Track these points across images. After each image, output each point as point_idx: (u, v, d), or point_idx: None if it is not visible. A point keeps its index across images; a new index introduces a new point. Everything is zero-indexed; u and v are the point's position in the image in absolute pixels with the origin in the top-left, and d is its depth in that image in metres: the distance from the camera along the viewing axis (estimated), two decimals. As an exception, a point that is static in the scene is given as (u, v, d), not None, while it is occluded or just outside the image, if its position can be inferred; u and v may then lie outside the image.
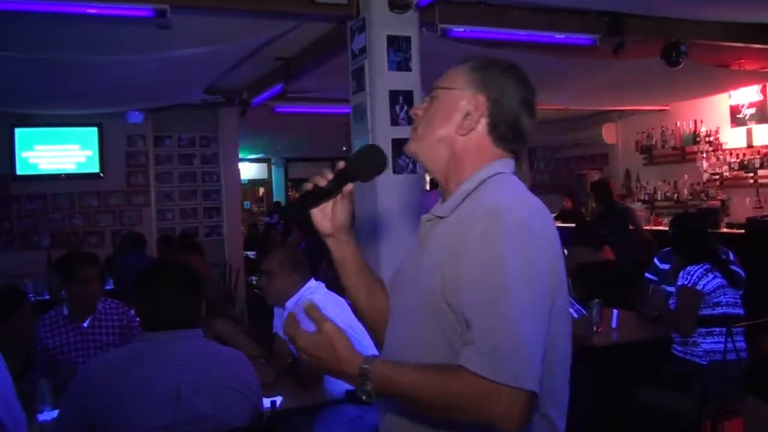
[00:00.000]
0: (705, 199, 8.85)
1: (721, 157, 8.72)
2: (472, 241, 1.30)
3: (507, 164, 1.50)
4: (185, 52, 5.18)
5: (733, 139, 8.65)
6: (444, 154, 1.49)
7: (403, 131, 4.15)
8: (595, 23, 5.10)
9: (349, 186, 1.58)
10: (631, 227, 6.96)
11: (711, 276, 3.74)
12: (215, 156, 9.01)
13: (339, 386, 2.95)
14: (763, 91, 8.18)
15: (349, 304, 3.19)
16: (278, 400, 2.76)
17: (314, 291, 3.22)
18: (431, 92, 1.55)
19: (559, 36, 5.06)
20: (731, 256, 4.18)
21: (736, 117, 8.59)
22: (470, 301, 1.28)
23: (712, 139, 8.86)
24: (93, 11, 3.99)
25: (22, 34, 4.77)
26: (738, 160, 8.44)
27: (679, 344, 3.84)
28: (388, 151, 4.12)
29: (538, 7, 4.91)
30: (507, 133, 1.48)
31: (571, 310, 3.78)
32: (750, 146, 8.39)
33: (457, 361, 1.27)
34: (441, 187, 1.55)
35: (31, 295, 5.74)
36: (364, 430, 2.81)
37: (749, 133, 8.43)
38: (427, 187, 8.65)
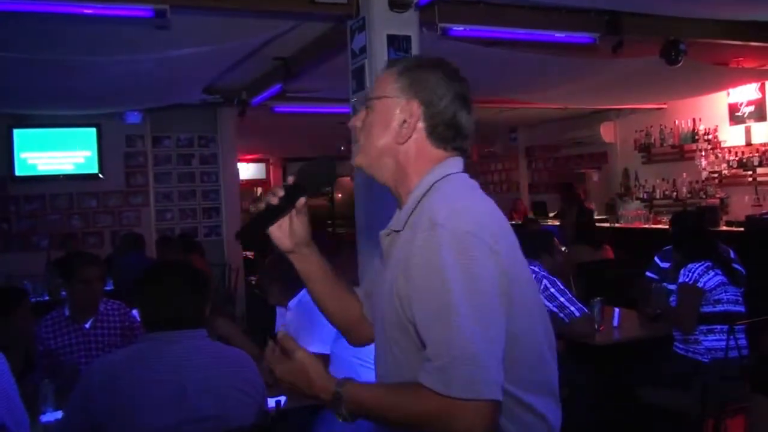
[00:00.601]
0: (704, 197, 8.86)
1: (719, 155, 8.73)
2: (415, 256, 1.31)
3: (454, 164, 1.48)
4: (184, 52, 5.18)
5: (732, 137, 8.66)
6: (389, 164, 1.49)
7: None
8: (594, 22, 5.10)
9: (302, 200, 1.56)
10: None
11: (712, 273, 3.74)
12: (214, 156, 9.00)
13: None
14: (761, 89, 8.19)
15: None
16: (282, 400, 2.76)
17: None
18: (366, 102, 1.53)
19: (559, 35, 5.06)
20: (732, 254, 4.19)
21: (734, 115, 8.60)
22: (419, 317, 1.30)
23: (710, 137, 8.86)
24: (92, 12, 3.98)
25: (20, 34, 4.76)
26: (737, 158, 8.45)
27: (681, 342, 3.84)
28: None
29: (537, 5, 4.91)
30: (446, 133, 1.47)
31: (573, 308, 3.80)
32: (749, 144, 8.39)
33: None
34: (394, 195, 1.53)
35: (30, 296, 5.73)
36: (366, 430, 2.81)
37: (748, 131, 8.44)
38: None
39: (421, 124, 1.46)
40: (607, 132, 10.67)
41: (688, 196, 9.14)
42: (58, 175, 8.23)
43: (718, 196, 8.70)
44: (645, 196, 9.86)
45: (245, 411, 2.17)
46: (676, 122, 9.36)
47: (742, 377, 3.33)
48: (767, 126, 8.21)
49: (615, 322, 4.19)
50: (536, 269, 3.97)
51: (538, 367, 1.42)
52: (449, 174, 1.45)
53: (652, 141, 9.77)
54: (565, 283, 4.08)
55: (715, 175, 8.75)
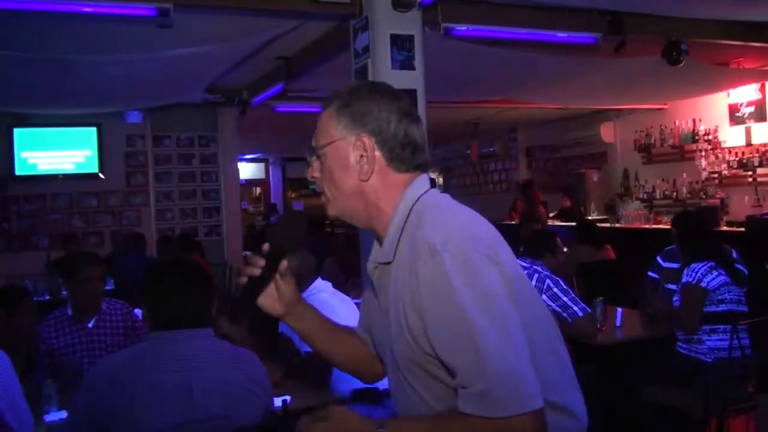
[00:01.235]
0: (704, 197, 8.86)
1: (719, 155, 8.74)
2: (423, 288, 1.29)
3: (421, 183, 1.46)
4: (186, 52, 5.17)
5: (732, 137, 8.67)
6: (360, 204, 1.46)
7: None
8: (596, 22, 5.11)
9: (284, 263, 1.52)
10: None
11: (715, 273, 3.74)
12: (214, 156, 9.01)
13: (346, 385, 2.95)
14: (761, 89, 8.20)
15: (356, 302, 3.20)
16: (288, 399, 2.75)
17: (321, 290, 3.21)
18: (316, 152, 1.49)
19: (561, 34, 5.07)
20: (734, 254, 4.19)
21: (734, 115, 8.61)
22: (442, 348, 1.28)
23: (710, 137, 8.87)
24: (91, 10, 3.97)
25: (21, 33, 4.76)
26: (737, 159, 8.46)
27: (684, 342, 3.84)
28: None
29: (539, 5, 4.92)
30: (404, 153, 1.44)
31: (576, 308, 3.80)
32: (749, 144, 8.40)
33: None
34: (370, 231, 1.52)
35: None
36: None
37: (748, 132, 8.45)
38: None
39: (378, 154, 1.42)
40: (607, 132, 10.67)
41: (688, 196, 9.15)
42: (59, 175, 8.24)
43: (718, 196, 8.70)
44: (645, 197, 9.87)
45: (252, 410, 2.16)
46: (677, 122, 9.37)
47: (745, 377, 3.33)
48: (767, 126, 8.21)
49: (618, 322, 4.20)
50: (539, 269, 3.98)
51: (555, 363, 1.42)
52: (421, 195, 1.43)
53: (652, 141, 9.78)
54: (567, 283, 4.08)
55: (715, 175, 8.76)
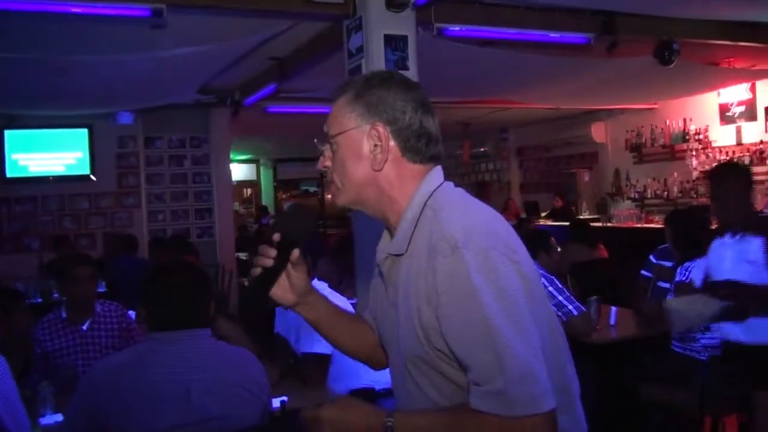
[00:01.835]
0: (695, 196, 8.91)
1: (710, 154, 8.79)
2: (441, 283, 1.28)
3: (436, 175, 1.45)
4: (179, 52, 5.16)
5: (723, 136, 8.73)
6: (372, 194, 1.44)
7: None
8: (589, 22, 5.14)
9: (296, 253, 1.51)
10: None
11: (709, 272, 3.76)
12: (206, 157, 8.98)
13: (343, 385, 2.95)
14: (752, 89, 8.26)
15: (351, 303, 3.20)
16: (285, 400, 2.75)
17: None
18: (329, 141, 1.47)
19: (554, 35, 5.09)
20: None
21: (725, 115, 8.67)
22: (460, 344, 1.27)
23: (701, 137, 8.93)
24: (89, 11, 3.95)
25: (11, 33, 4.73)
26: (727, 158, 8.50)
27: (678, 340, 3.86)
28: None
29: (533, 6, 4.94)
30: (419, 144, 1.42)
31: (571, 307, 3.81)
32: (739, 144, 8.47)
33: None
34: (384, 223, 1.50)
35: (23, 299, 5.69)
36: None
37: (738, 131, 8.51)
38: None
39: (392, 143, 1.41)
40: (598, 132, 10.72)
41: (679, 195, 9.20)
42: (50, 177, 8.19)
43: (708, 195, 8.72)
44: (636, 196, 9.92)
45: (250, 410, 2.16)
46: (667, 122, 9.42)
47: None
48: (757, 126, 8.27)
49: (612, 321, 4.21)
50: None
51: (559, 365, 1.41)
52: (436, 188, 1.42)
53: (643, 141, 9.83)
54: (562, 282, 4.09)
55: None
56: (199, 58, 5.42)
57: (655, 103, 9.57)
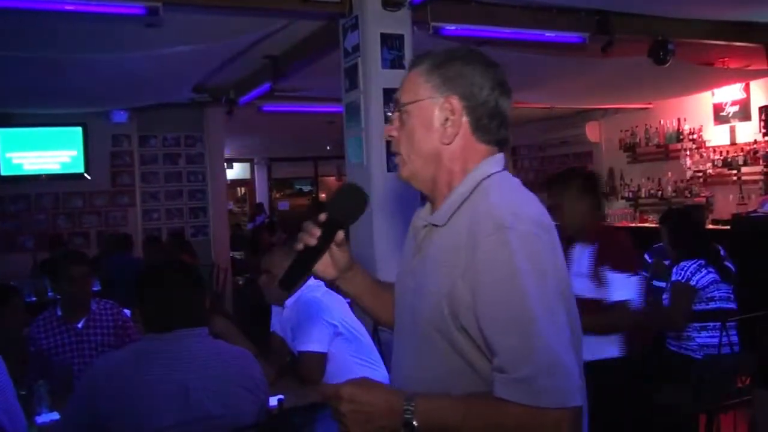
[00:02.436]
0: (689, 196, 8.93)
1: (704, 154, 8.81)
2: (483, 261, 1.25)
3: (497, 161, 1.43)
4: (174, 51, 5.14)
5: (717, 136, 8.75)
6: (432, 169, 1.42)
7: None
8: (584, 21, 5.14)
9: (341, 234, 1.50)
10: None
11: (705, 271, 3.78)
12: (201, 156, 8.96)
13: (340, 384, 2.95)
14: (746, 89, 8.28)
15: (348, 302, 3.20)
16: (282, 398, 2.75)
17: (314, 289, 3.20)
18: (399, 108, 1.44)
19: (549, 34, 5.09)
20: (722, 252, 4.23)
21: (719, 115, 8.69)
22: (492, 325, 1.24)
23: (695, 137, 8.95)
24: (84, 9, 3.94)
25: (4, 31, 4.70)
26: (721, 158, 8.53)
27: (674, 339, 3.88)
28: (382, 148, 4.12)
29: (528, 5, 4.94)
30: (491, 124, 1.41)
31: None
32: (733, 143, 8.48)
33: (481, 383, 1.27)
34: (427, 194, 1.47)
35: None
36: None
37: (732, 131, 8.52)
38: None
39: (465, 119, 1.39)
40: (592, 132, 10.74)
41: (674, 195, 9.22)
42: (44, 175, 8.16)
43: (703, 195, 8.78)
44: (630, 196, 9.94)
45: (248, 408, 2.16)
46: (661, 122, 9.44)
47: (735, 373, 3.36)
48: (751, 126, 8.29)
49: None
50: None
51: (579, 365, 1.37)
52: (494, 173, 1.40)
53: (638, 140, 9.85)
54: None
55: (700, 174, 8.83)
56: (194, 57, 5.40)
57: (650, 103, 9.59)
